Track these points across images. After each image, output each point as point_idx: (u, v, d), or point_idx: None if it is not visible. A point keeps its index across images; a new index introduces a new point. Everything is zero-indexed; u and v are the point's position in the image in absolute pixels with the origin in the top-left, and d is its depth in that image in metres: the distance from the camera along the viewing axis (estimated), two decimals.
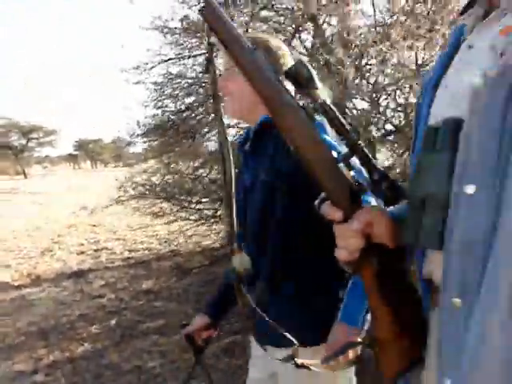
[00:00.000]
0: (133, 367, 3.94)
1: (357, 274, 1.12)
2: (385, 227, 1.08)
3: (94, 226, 11.75)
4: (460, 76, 0.98)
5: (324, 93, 1.09)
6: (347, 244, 1.07)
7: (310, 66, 1.08)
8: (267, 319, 1.37)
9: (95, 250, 8.93)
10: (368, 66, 4.02)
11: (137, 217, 6.28)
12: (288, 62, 1.64)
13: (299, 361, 1.31)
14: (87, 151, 70.45)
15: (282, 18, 4.99)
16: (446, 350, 0.91)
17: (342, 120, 1.08)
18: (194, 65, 5.87)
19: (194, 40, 5.72)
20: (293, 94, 1.21)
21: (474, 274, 0.86)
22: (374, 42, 3.64)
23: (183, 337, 2.08)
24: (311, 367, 1.29)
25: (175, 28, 5.62)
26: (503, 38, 0.91)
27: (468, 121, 0.90)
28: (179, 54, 5.83)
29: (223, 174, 1.27)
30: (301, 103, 1.09)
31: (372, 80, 3.97)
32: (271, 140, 1.53)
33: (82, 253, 8.82)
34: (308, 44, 5.00)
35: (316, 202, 1.14)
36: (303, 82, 1.08)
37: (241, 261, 1.52)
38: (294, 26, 4.70)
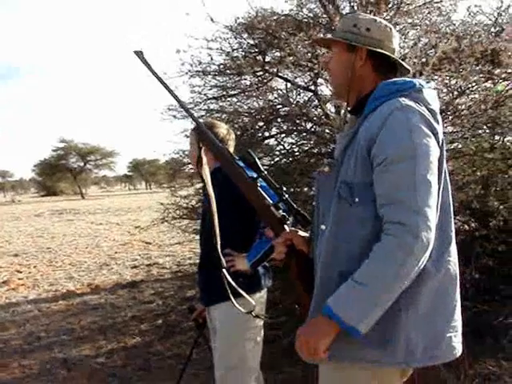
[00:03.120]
0: (173, 354, 4.92)
1: (286, 266, 2.09)
2: (300, 241, 2.05)
3: (147, 243, 12.82)
4: None
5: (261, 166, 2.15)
6: (277, 250, 2.08)
7: (253, 153, 2.16)
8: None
9: (147, 265, 9.92)
10: None
11: (186, 235, 7.12)
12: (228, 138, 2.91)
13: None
14: (142, 172, 71.41)
15: None
16: None
17: (274, 182, 2.13)
18: (230, 104, 6.75)
19: (230, 81, 6.59)
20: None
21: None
22: None
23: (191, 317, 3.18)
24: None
25: (214, 71, 6.51)
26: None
27: (317, 189, 1.89)
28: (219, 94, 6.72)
29: (209, 206, 2.23)
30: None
31: None
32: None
33: (136, 267, 9.84)
34: None
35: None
36: (250, 163, 2.16)
37: None
38: None
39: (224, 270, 2.17)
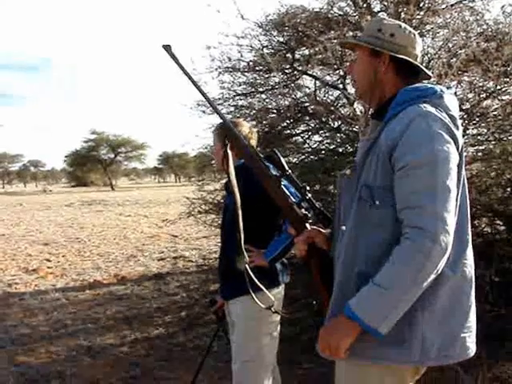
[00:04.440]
0: (195, 346, 5.02)
1: (306, 263, 2.14)
2: (321, 239, 2.11)
3: (174, 236, 12.98)
4: None
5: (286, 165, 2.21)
6: (298, 247, 2.13)
7: (278, 152, 2.21)
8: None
9: (174, 258, 10.06)
10: None
11: (212, 229, 6.84)
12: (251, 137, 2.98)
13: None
14: (171, 165, 71.63)
15: None
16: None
17: (298, 181, 2.19)
18: (259, 101, 6.78)
19: (260, 78, 6.62)
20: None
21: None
22: None
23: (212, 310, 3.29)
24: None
25: (243, 67, 6.55)
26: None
27: (339, 191, 1.92)
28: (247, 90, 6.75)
29: (233, 202, 2.25)
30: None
31: None
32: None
33: (162, 259, 9.99)
34: None
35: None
36: (274, 161, 2.22)
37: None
38: None
39: (246, 266, 2.22)
